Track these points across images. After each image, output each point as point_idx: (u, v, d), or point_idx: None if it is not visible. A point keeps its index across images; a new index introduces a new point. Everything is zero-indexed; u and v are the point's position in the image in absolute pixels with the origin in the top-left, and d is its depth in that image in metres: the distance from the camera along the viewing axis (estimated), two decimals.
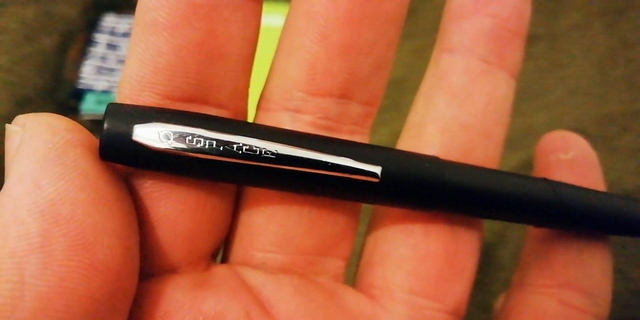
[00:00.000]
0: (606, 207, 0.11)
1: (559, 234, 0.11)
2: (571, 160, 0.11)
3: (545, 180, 0.11)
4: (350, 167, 0.09)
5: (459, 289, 0.10)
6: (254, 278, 0.09)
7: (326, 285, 0.10)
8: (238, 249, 0.10)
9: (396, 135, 0.38)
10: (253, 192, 0.10)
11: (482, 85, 0.10)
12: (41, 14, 0.36)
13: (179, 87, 0.08)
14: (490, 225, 0.32)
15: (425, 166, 0.09)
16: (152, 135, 0.08)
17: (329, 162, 0.09)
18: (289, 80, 0.09)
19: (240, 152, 0.08)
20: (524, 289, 0.11)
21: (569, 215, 0.10)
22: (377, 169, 0.09)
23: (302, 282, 0.10)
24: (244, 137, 0.08)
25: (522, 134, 0.36)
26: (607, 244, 0.11)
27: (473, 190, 0.09)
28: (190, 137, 0.08)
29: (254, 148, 0.08)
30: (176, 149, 0.08)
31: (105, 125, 0.08)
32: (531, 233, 0.12)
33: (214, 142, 0.08)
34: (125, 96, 0.08)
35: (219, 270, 0.10)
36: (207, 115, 0.09)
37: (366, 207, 0.12)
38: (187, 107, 0.08)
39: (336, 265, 0.10)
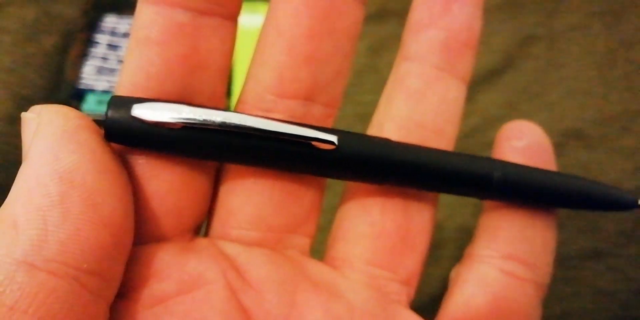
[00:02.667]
0: (546, 182, 0.12)
1: (506, 209, 0.12)
2: (524, 147, 0.13)
3: (488, 158, 0.12)
4: (310, 136, 0.10)
5: (411, 262, 0.12)
6: (231, 248, 0.11)
7: (293, 257, 0.12)
8: (217, 227, 0.12)
9: None
10: (230, 177, 0.12)
11: (435, 89, 0.12)
12: (42, 14, 0.36)
13: (167, 91, 0.10)
14: None
15: (378, 141, 0.11)
16: (147, 111, 0.10)
17: (292, 133, 0.10)
18: (261, 85, 0.11)
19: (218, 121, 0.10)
20: (471, 260, 0.13)
21: (508, 188, 0.12)
22: (334, 138, 0.11)
23: (272, 253, 0.12)
24: (222, 111, 0.10)
25: None
26: (552, 217, 0.13)
27: (420, 165, 0.11)
28: (178, 111, 0.10)
29: (231, 119, 0.10)
30: (167, 120, 0.10)
31: (109, 109, 0.10)
32: (484, 208, 0.13)
33: (199, 113, 0.10)
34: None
35: (201, 241, 0.12)
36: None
37: (337, 193, 0.13)
38: None
39: (302, 241, 0.12)
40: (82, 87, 0.33)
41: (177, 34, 0.10)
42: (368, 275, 0.12)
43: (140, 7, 0.10)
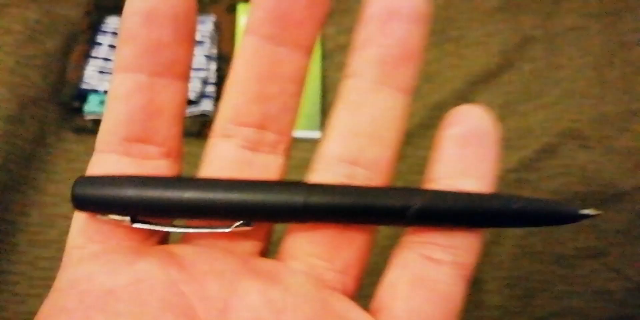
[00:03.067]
0: (473, 206, 0.13)
1: None
2: (459, 134, 0.13)
3: (408, 189, 0.13)
4: (223, 230, 0.14)
5: (347, 254, 0.14)
6: (182, 250, 0.13)
7: (240, 255, 0.14)
8: (185, 235, 0.14)
9: None
10: None
11: (371, 101, 0.14)
12: (44, 15, 0.37)
13: (132, 133, 0.13)
14: None
15: (288, 184, 0.13)
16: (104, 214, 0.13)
17: (207, 231, 0.14)
18: (224, 117, 0.14)
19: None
20: (399, 246, 0.14)
21: (429, 218, 0.13)
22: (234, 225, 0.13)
23: (221, 252, 0.14)
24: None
25: (519, 134, 0.36)
26: None
27: (331, 206, 0.13)
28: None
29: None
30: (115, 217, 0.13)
31: (75, 188, 0.13)
32: None
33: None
34: (102, 139, 0.14)
35: (156, 247, 0.14)
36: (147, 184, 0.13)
37: None
38: (137, 145, 0.13)
39: (253, 244, 0.14)
40: (84, 87, 0.33)
41: (138, 91, 0.13)
42: (307, 265, 0.14)
43: (114, 75, 0.13)
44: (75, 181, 0.13)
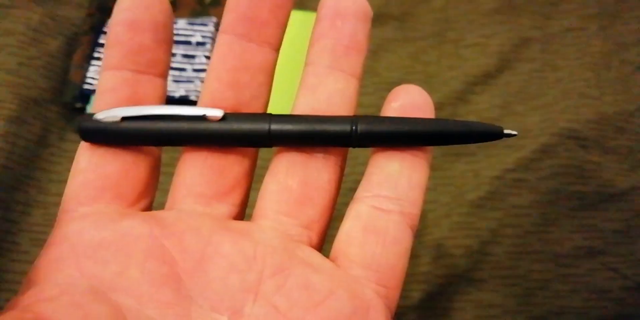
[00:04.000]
0: (407, 128, 0.15)
1: (380, 158, 0.16)
2: (399, 107, 0.15)
3: (353, 116, 0.15)
4: (198, 110, 0.15)
5: (310, 211, 0.15)
6: (164, 214, 0.15)
7: (216, 218, 0.15)
8: (170, 200, 0.16)
9: None
10: (179, 163, 0.16)
11: (325, 83, 0.15)
12: (46, 17, 0.37)
13: None
14: (484, 224, 0.33)
15: (254, 115, 0.15)
16: (100, 116, 0.15)
17: (186, 111, 0.15)
18: (204, 101, 0.16)
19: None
20: (353, 201, 0.16)
21: (371, 138, 0.15)
22: (220, 112, 0.15)
23: (199, 214, 0.15)
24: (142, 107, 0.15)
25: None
26: (420, 160, 0.15)
27: (293, 130, 0.15)
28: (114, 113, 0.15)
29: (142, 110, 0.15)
30: (112, 121, 0.15)
31: (81, 123, 0.15)
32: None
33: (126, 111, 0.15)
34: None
35: (140, 212, 0.15)
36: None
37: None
38: None
39: (228, 209, 0.16)
40: (87, 88, 0.33)
41: (123, 84, 0.15)
42: (276, 222, 0.15)
43: (102, 72, 0.15)
44: (80, 118, 0.15)
